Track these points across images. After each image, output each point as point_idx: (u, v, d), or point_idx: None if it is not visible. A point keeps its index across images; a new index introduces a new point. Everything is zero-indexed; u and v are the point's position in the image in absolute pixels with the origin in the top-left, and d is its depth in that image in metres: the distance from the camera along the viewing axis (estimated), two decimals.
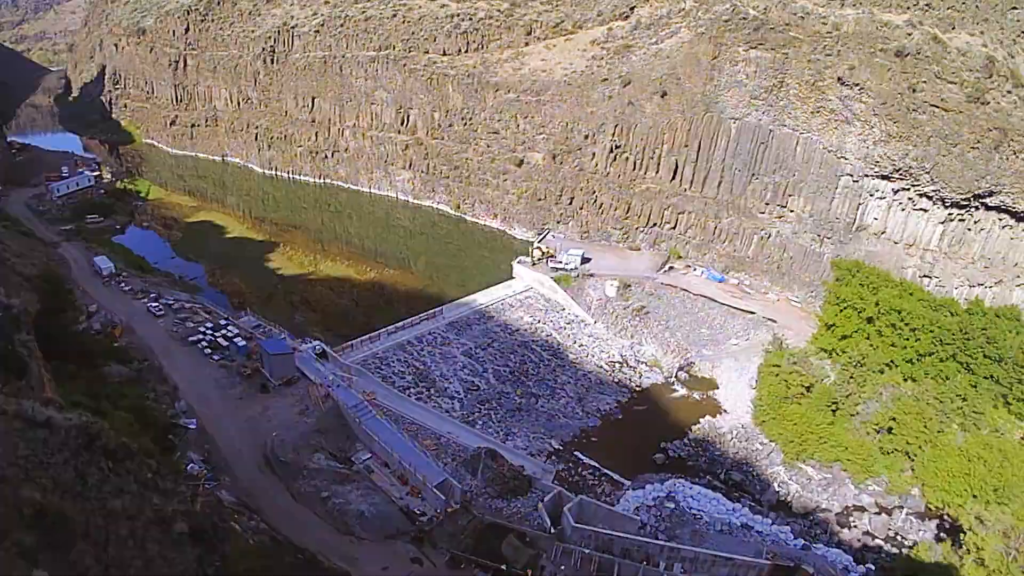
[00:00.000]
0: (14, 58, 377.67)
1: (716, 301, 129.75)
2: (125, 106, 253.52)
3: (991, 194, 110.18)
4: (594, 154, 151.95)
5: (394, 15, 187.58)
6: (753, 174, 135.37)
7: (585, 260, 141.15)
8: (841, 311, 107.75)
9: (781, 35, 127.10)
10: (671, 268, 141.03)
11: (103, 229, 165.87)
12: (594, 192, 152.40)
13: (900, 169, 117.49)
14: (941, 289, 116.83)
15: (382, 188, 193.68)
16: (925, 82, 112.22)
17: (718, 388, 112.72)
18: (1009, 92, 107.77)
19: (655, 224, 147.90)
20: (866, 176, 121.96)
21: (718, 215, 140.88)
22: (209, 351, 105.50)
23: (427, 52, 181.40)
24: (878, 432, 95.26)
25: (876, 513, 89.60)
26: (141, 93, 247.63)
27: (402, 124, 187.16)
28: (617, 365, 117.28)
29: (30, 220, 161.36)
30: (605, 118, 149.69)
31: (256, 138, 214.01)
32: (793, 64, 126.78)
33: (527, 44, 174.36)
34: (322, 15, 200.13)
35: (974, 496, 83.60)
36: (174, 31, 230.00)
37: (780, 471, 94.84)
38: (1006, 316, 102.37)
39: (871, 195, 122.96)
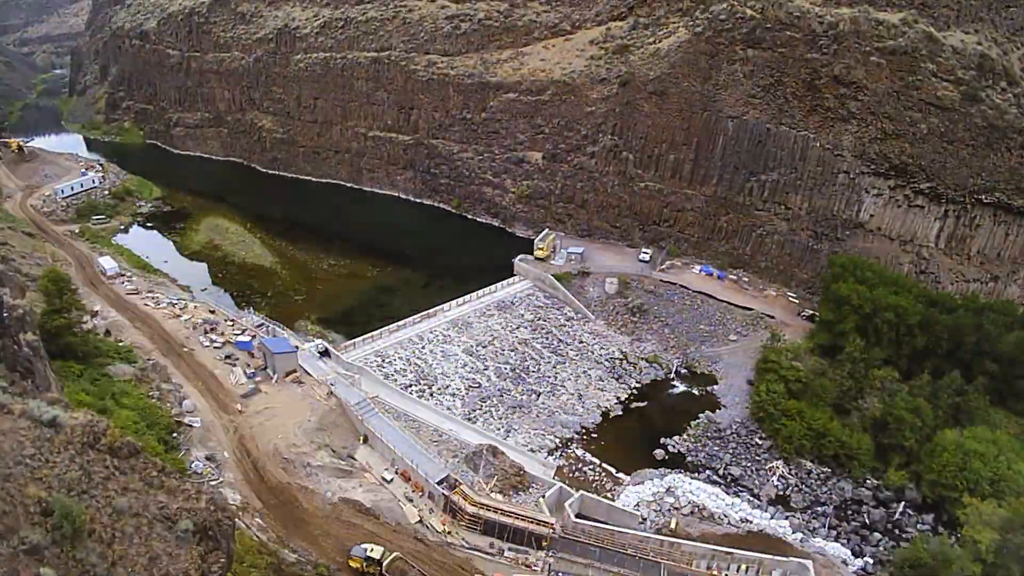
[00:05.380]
0: (18, 60, 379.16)
1: (715, 298, 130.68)
2: (128, 108, 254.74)
3: (987, 191, 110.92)
4: (593, 153, 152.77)
5: (394, 16, 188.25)
6: (751, 172, 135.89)
7: (584, 259, 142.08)
8: (839, 308, 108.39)
9: (778, 34, 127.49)
10: (670, 265, 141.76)
11: (107, 229, 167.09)
12: (593, 191, 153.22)
13: (896, 167, 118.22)
14: (937, 285, 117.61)
15: (383, 188, 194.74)
16: (920, 80, 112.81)
17: (717, 384, 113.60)
18: (1004, 90, 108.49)
19: (654, 222, 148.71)
20: (863, 174, 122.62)
21: (716, 213, 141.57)
22: (212, 349, 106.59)
23: (427, 53, 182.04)
24: (875, 427, 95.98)
25: (874, 506, 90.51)
26: (144, 95, 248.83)
27: (403, 124, 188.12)
28: (617, 362, 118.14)
29: (35, 221, 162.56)
30: (604, 117, 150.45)
31: (258, 139, 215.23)
32: (790, 63, 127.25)
33: (526, 44, 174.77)
34: (323, 17, 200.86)
35: (970, 490, 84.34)
36: (176, 33, 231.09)
37: (779, 465, 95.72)
38: (1001, 312, 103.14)
39: (868, 192, 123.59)
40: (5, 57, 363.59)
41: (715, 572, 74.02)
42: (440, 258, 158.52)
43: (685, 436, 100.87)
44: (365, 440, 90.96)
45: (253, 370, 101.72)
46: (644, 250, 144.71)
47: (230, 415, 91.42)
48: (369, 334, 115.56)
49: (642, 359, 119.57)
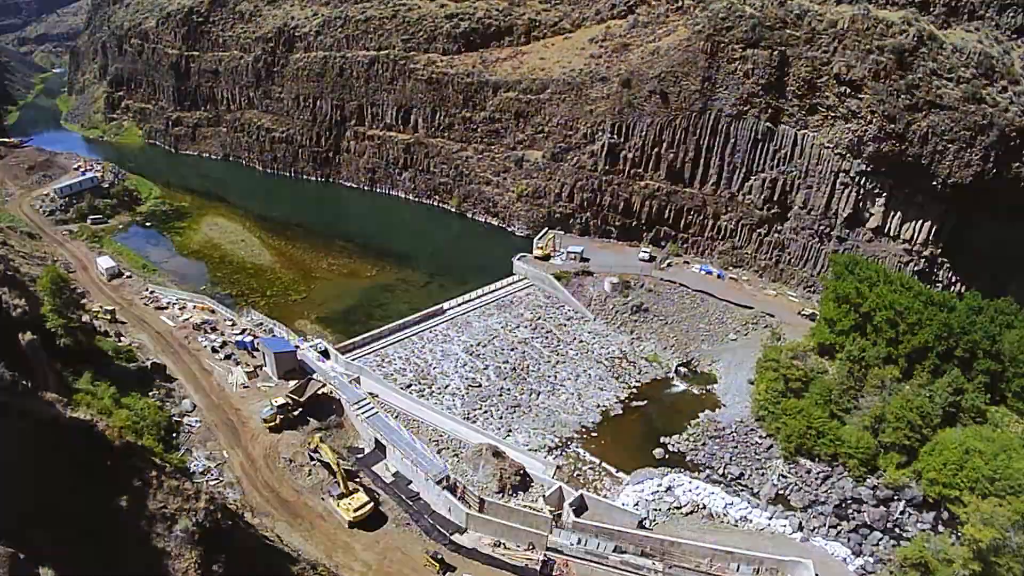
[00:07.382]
0: (17, 60, 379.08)
1: (715, 297, 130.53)
2: (127, 107, 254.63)
3: (987, 190, 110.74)
4: (593, 152, 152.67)
5: (394, 15, 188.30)
6: (751, 171, 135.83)
7: (584, 258, 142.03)
8: (839, 307, 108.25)
9: (778, 33, 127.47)
10: (670, 264, 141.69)
11: (106, 229, 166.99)
12: (593, 190, 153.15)
13: (897, 165, 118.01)
14: (937, 285, 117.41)
15: (383, 187, 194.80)
16: (921, 79, 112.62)
17: (717, 383, 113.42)
18: (1005, 89, 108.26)
19: (654, 221, 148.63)
20: (863, 172, 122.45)
21: (716, 212, 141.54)
22: (212, 349, 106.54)
23: (427, 52, 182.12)
24: (876, 426, 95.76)
25: (874, 505, 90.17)
26: (143, 94, 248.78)
27: (403, 124, 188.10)
28: (617, 361, 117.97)
29: (34, 220, 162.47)
30: (604, 116, 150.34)
31: (258, 138, 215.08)
32: (790, 62, 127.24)
33: (526, 43, 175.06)
34: (322, 16, 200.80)
35: (971, 489, 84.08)
36: (175, 32, 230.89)
37: (779, 465, 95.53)
38: (1002, 311, 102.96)
39: (868, 191, 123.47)
40: (5, 57, 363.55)
41: (715, 572, 73.96)
42: (440, 258, 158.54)
43: (685, 435, 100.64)
44: (364, 439, 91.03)
45: (252, 369, 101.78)
46: (644, 249, 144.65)
47: (230, 415, 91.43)
48: (369, 333, 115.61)
49: (642, 358, 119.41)
